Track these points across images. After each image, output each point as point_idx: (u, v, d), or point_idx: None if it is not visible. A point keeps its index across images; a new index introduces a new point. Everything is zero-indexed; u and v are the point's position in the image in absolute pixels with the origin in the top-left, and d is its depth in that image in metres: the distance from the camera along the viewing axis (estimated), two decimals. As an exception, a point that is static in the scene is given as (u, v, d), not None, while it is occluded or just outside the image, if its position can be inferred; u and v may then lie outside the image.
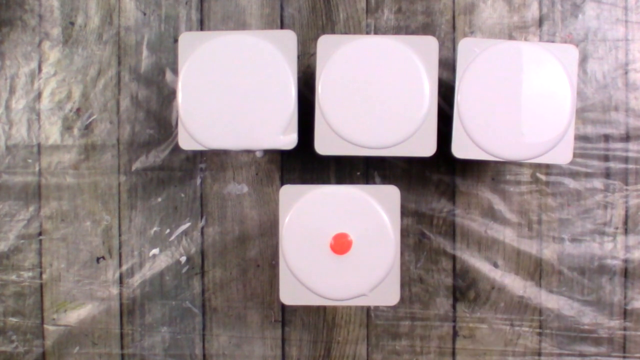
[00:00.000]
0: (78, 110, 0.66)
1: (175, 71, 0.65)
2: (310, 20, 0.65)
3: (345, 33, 0.64)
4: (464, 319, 0.65)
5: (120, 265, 0.66)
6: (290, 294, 0.53)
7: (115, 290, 0.66)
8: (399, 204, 0.52)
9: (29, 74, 0.66)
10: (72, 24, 0.66)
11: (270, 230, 0.65)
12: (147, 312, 0.66)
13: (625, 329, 0.64)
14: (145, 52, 0.65)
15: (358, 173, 0.65)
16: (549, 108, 0.53)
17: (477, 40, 0.54)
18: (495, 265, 0.65)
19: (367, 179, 0.65)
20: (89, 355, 0.66)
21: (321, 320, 0.65)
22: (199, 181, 0.65)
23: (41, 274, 0.66)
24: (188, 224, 0.65)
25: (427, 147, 0.54)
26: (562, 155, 0.54)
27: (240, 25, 0.65)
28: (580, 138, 0.64)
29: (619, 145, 0.64)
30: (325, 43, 0.54)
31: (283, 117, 0.53)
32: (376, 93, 0.53)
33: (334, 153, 0.54)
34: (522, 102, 0.53)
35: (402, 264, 0.64)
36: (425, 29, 0.64)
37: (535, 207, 0.64)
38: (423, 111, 0.53)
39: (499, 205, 0.64)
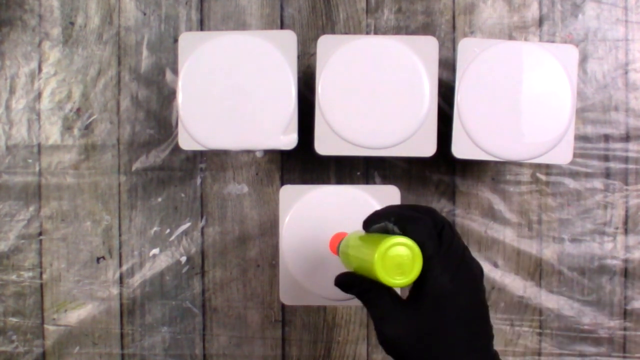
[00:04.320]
0: (78, 110, 0.66)
1: (175, 71, 0.65)
2: (310, 20, 0.65)
3: (345, 33, 0.64)
4: (464, 319, 0.65)
5: (120, 265, 0.66)
6: (290, 294, 0.53)
7: (115, 290, 0.66)
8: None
9: (29, 74, 0.66)
10: (72, 24, 0.66)
11: (270, 230, 0.65)
12: (147, 312, 0.66)
13: (625, 329, 0.64)
14: (145, 52, 0.65)
15: (358, 173, 0.65)
16: (549, 108, 0.53)
17: (477, 40, 0.54)
18: (495, 265, 0.65)
19: (367, 179, 0.65)
20: (89, 355, 0.66)
21: (321, 320, 0.65)
22: (199, 181, 0.65)
23: (41, 274, 0.66)
24: (188, 224, 0.66)
25: (427, 147, 0.54)
26: (562, 155, 0.54)
27: (240, 25, 0.65)
28: (580, 138, 0.64)
29: (619, 145, 0.64)
30: (325, 43, 0.54)
31: (283, 117, 0.53)
32: (376, 93, 0.53)
33: (334, 153, 0.54)
34: (522, 102, 0.53)
35: (402, 264, 0.64)
36: (425, 29, 0.64)
37: (535, 207, 0.64)
38: (423, 111, 0.53)
39: (499, 205, 0.64)
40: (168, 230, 0.66)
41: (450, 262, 0.35)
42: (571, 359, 0.64)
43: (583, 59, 0.64)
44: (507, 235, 0.64)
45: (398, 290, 0.45)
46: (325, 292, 0.53)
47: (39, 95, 0.66)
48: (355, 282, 0.38)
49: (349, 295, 0.52)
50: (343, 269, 0.52)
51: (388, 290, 0.36)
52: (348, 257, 0.41)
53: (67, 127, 0.66)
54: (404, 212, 0.37)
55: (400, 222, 0.36)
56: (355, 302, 0.53)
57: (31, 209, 0.66)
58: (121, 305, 0.66)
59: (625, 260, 0.64)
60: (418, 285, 0.35)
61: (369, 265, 0.35)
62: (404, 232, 0.35)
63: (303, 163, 0.65)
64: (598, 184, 0.64)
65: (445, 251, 0.35)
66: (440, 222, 0.36)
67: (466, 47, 0.53)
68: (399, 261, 0.33)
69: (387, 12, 0.64)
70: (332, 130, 0.53)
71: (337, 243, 0.51)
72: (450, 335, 0.34)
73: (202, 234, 0.65)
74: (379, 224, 0.38)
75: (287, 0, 0.65)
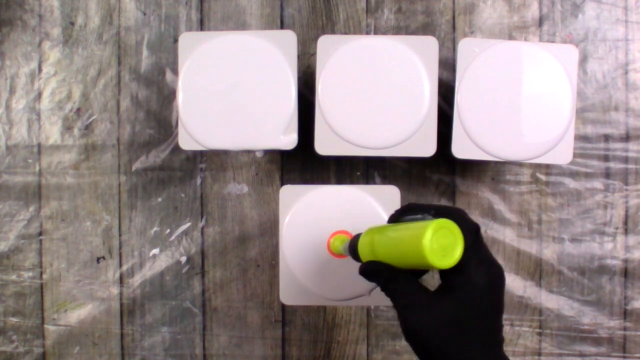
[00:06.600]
0: (78, 110, 0.66)
1: (175, 71, 0.65)
2: (310, 20, 0.65)
3: (345, 33, 0.64)
4: (464, 319, 0.65)
5: (120, 265, 0.66)
6: (290, 294, 0.53)
7: (115, 290, 0.66)
8: (399, 204, 0.52)
9: (29, 74, 0.66)
10: (72, 24, 0.66)
11: (270, 230, 0.65)
12: (147, 312, 0.66)
13: (625, 329, 0.64)
14: (145, 52, 0.65)
15: (358, 173, 0.65)
16: (549, 108, 0.53)
17: (477, 40, 0.54)
18: (495, 265, 0.64)
19: (367, 179, 0.65)
20: (89, 355, 0.66)
21: (321, 320, 0.65)
22: (199, 181, 0.65)
23: (41, 274, 0.66)
24: (188, 224, 0.66)
25: (427, 147, 0.54)
26: (562, 155, 0.54)
27: (240, 25, 0.65)
28: (580, 138, 0.64)
29: (619, 145, 0.64)
30: (325, 43, 0.54)
31: (283, 117, 0.53)
32: (376, 93, 0.53)
33: (334, 153, 0.54)
34: (522, 102, 0.53)
35: (402, 264, 0.64)
36: (425, 29, 0.64)
37: (535, 207, 0.64)
38: (423, 111, 0.53)
39: (499, 205, 0.64)
40: (168, 230, 0.66)
41: (485, 257, 0.36)
42: (571, 359, 0.64)
43: (583, 59, 0.64)
44: (507, 235, 0.64)
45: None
46: (325, 292, 0.53)
47: (39, 95, 0.66)
48: (382, 271, 0.38)
49: (349, 295, 0.53)
50: (342, 267, 0.52)
51: (415, 279, 0.37)
52: (374, 247, 0.40)
53: (67, 127, 0.66)
54: (443, 207, 0.38)
55: (442, 214, 0.36)
56: (355, 302, 0.53)
57: (31, 209, 0.66)
58: (121, 305, 0.66)
59: (625, 260, 0.64)
60: (450, 276, 0.36)
61: (410, 248, 0.35)
62: None
63: (303, 163, 0.65)
64: (598, 184, 0.64)
65: (481, 246, 0.36)
66: (473, 223, 0.37)
67: (466, 47, 0.53)
68: (442, 243, 0.34)
69: (387, 12, 0.64)
70: (332, 130, 0.53)
71: (335, 243, 0.51)
72: (477, 328, 0.35)
73: (202, 234, 0.65)
74: (414, 215, 0.38)
75: (287, 0, 0.65)
